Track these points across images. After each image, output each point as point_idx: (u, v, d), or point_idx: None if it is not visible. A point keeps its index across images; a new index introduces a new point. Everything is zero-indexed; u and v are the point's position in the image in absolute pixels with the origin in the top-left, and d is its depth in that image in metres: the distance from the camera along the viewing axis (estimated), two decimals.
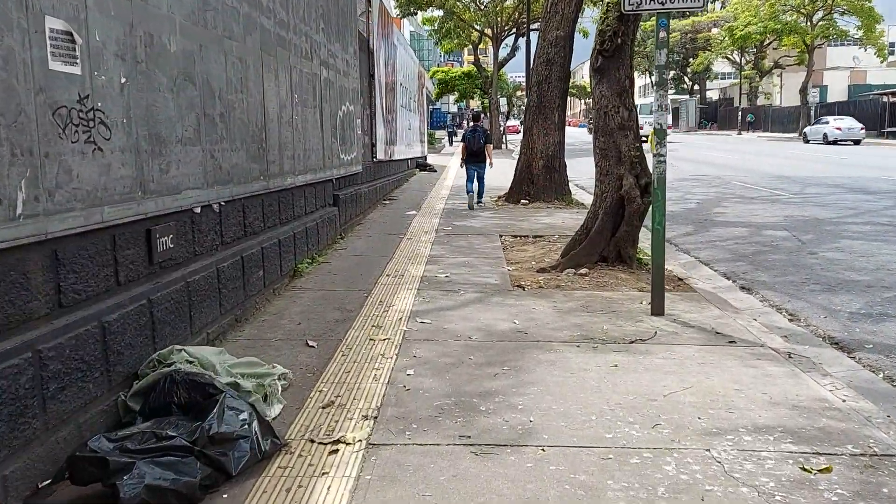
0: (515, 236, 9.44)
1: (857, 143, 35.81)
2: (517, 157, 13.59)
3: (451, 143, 45.12)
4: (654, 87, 5.41)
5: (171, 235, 4.20)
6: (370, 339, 4.89)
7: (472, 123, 13.36)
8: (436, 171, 22.16)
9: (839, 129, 36.38)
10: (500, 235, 9.45)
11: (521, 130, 13.55)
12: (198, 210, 4.62)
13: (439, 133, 47.93)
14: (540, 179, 13.15)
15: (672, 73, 79.32)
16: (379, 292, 6.27)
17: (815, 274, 7.31)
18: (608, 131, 6.93)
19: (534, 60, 13.45)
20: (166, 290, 4.05)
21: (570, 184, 13.67)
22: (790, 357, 4.54)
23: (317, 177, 7.84)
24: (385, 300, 5.98)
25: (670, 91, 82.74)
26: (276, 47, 6.33)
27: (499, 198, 13.88)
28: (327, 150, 8.39)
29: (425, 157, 25.45)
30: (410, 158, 19.82)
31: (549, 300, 5.97)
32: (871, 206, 12.04)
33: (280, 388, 3.84)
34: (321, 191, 8.26)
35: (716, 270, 7.63)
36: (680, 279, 6.85)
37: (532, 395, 3.88)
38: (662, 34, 5.15)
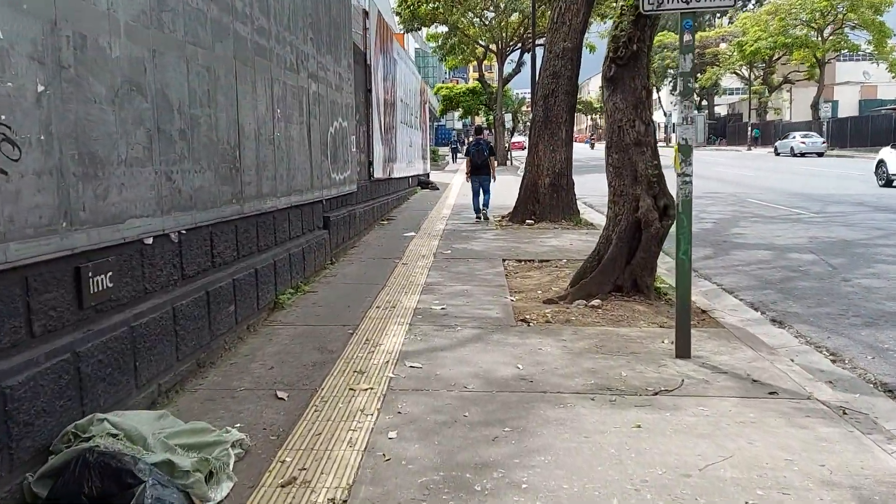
0: (520, 261, 8.76)
1: (820, 154, 40.07)
2: (522, 174, 12.96)
3: (454, 160, 44.38)
4: (678, 97, 4.75)
5: (111, 273, 3.55)
6: (350, 389, 4.21)
7: (474, 137, 13.92)
8: (438, 189, 21.55)
9: (804, 142, 41.24)
10: (503, 260, 8.77)
11: (527, 146, 12.89)
12: (149, 241, 3.97)
13: (443, 150, 47.21)
14: (546, 198, 12.50)
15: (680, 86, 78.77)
16: (366, 328, 5.60)
17: (853, 304, 6.60)
18: (622, 147, 6.27)
19: (539, 74, 12.85)
20: (101, 338, 3.39)
21: (577, 202, 13.01)
22: (844, 413, 3.84)
23: (303, 198, 7.21)
24: (372, 338, 5.30)
25: (674, 106, 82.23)
26: (255, 57, 5.72)
27: (503, 217, 13.22)
28: (316, 170, 7.77)
29: (427, 175, 24.87)
30: (412, 176, 19.22)
31: (558, 338, 5.28)
32: None
33: (233, 460, 3.16)
34: (309, 213, 7.63)
35: (741, 300, 6.93)
36: (703, 311, 6.15)
37: (539, 467, 3.19)
38: (687, 37, 4.51)
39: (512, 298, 6.67)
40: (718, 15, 74.63)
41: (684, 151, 4.68)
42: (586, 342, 5.17)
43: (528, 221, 12.34)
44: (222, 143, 5.03)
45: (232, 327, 5.12)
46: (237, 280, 5.25)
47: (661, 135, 74.38)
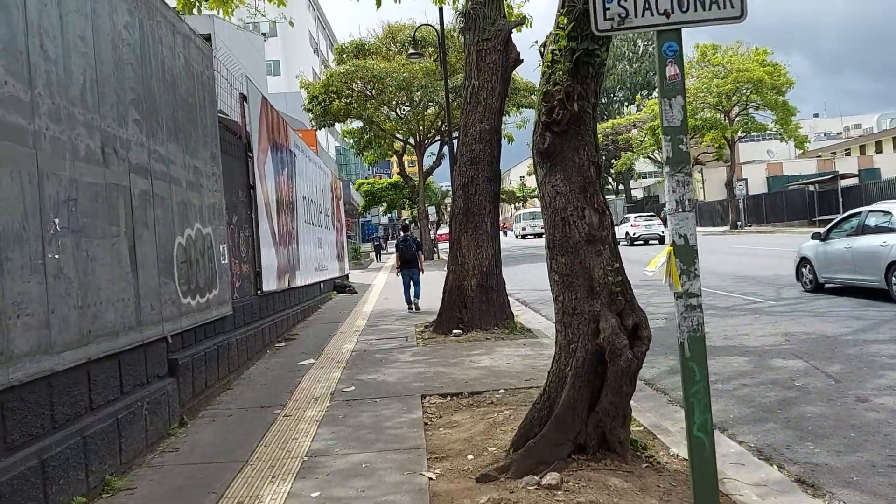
0: (445, 395, 6.66)
1: (661, 240, 34.27)
2: (447, 276, 11.09)
3: (378, 258, 41.68)
4: (665, 167, 2.94)
5: None
6: None
7: (402, 234, 14.99)
8: (356, 292, 19.39)
9: (636, 226, 36.48)
10: (423, 396, 6.65)
11: (450, 246, 11.06)
12: None
13: (365, 247, 44.95)
14: (475, 302, 10.57)
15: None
16: None
17: (893, 441, 4.79)
18: (570, 247, 4.40)
19: (457, 160, 11.23)
20: None
21: (510, 304, 11.14)
22: None
23: (118, 344, 4.96)
24: None
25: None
26: None
27: (425, 327, 11.17)
28: (149, 298, 5.57)
29: (346, 276, 22.73)
30: (324, 281, 17.05)
31: None
32: (879, 314, 9.87)
33: None
34: (135, 362, 5.35)
35: (741, 442, 5.04)
36: None
37: None
38: (672, 71, 2.74)
39: (431, 475, 4.52)
40: (626, 103, 77.87)
41: (684, 256, 2.81)
42: None
43: (454, 332, 10.32)
44: None
45: None
46: None
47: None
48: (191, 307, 6.59)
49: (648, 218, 37.11)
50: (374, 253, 41.94)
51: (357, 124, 36.65)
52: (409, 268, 13.99)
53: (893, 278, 10.34)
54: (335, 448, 5.19)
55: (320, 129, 33.31)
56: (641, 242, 35.67)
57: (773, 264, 19.13)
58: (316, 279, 15.56)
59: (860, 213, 11.90)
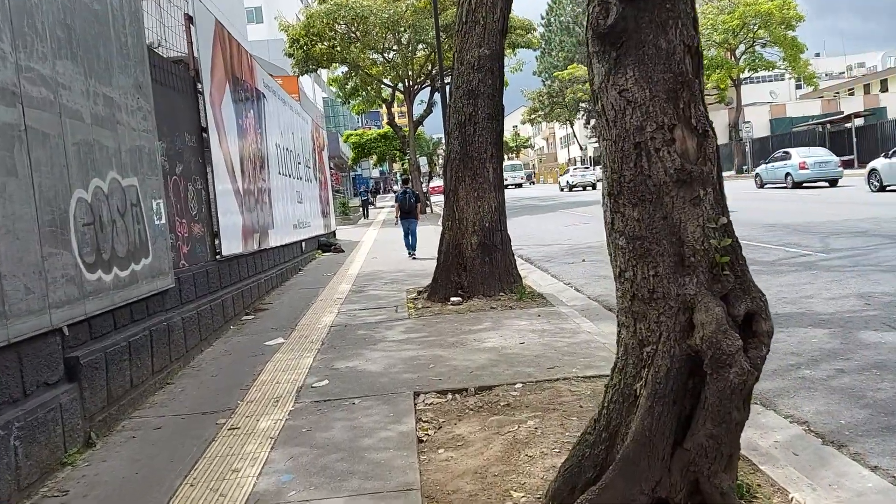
0: (443, 393, 5.07)
1: (594, 186, 41.51)
2: (441, 231, 9.44)
3: (365, 215, 37.35)
4: None
5: None
6: None
7: (402, 186, 16.32)
8: (343, 251, 17.72)
9: (574, 175, 45.61)
10: (416, 395, 5.06)
11: (445, 196, 9.36)
12: None
13: (355, 202, 42.45)
14: (476, 264, 8.93)
15: (593, 121, 78.26)
16: None
17: None
18: (648, 192, 2.72)
19: (451, 95, 9.42)
20: None
21: (517, 265, 9.51)
22: None
23: None
24: None
25: (591, 140, 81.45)
26: None
27: (418, 293, 9.56)
28: (23, 277, 3.89)
29: (333, 233, 21.02)
30: (306, 240, 15.36)
31: None
32: None
33: None
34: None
35: (876, 470, 3.46)
36: None
37: None
38: None
39: None
40: None
41: None
42: None
43: (452, 300, 8.71)
44: None
45: None
46: None
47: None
48: (103, 284, 4.92)
49: (584, 169, 46.86)
50: (361, 209, 37.93)
51: (342, 70, 34.34)
52: (407, 218, 15.07)
53: None
54: (290, 489, 3.60)
55: (303, 74, 31.05)
56: (580, 189, 43.96)
57: (798, 209, 17.53)
58: (295, 238, 13.86)
59: None
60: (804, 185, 26.32)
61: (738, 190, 26.43)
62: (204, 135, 8.14)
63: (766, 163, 29.13)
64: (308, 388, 5.42)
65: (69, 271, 4.46)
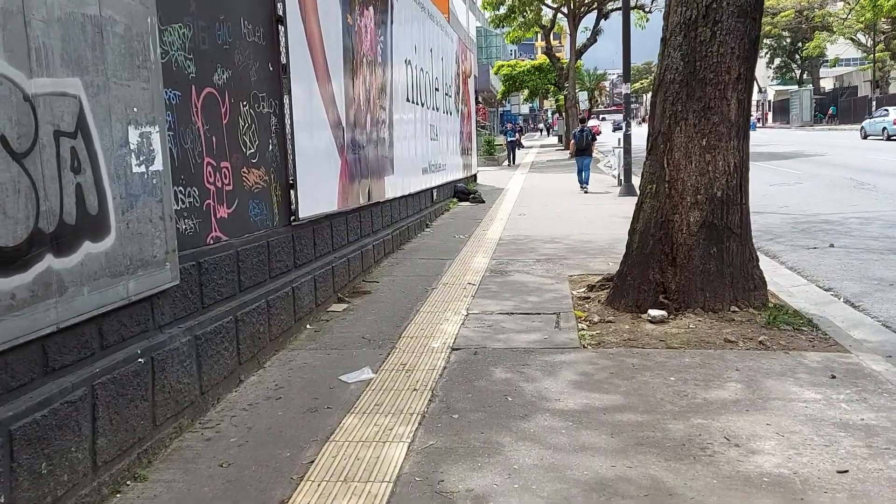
0: None
1: None
2: (637, 198, 6.06)
3: (511, 161, 29.31)
4: None
5: None
6: None
7: (580, 125, 17.82)
8: (483, 201, 14.61)
9: None
10: None
11: (648, 143, 5.87)
12: None
13: (501, 140, 37.34)
14: (695, 255, 5.47)
15: (778, 60, 68.68)
16: None
17: None
18: None
19: None
20: None
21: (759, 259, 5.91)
22: None
23: None
24: None
25: (774, 82, 71.64)
26: None
27: (589, 288, 6.30)
28: None
29: (474, 177, 17.92)
30: (438, 186, 12.40)
31: None
32: None
33: None
34: None
35: None
36: None
37: None
38: None
39: None
40: None
41: None
42: None
43: (651, 313, 5.35)
44: None
45: None
46: None
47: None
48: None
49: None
50: (507, 152, 29.71)
51: None
52: (581, 155, 16.24)
53: None
54: None
55: None
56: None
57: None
58: (424, 185, 10.93)
59: None
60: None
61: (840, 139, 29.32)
62: (280, 27, 5.21)
63: (870, 117, 33.30)
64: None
65: None
